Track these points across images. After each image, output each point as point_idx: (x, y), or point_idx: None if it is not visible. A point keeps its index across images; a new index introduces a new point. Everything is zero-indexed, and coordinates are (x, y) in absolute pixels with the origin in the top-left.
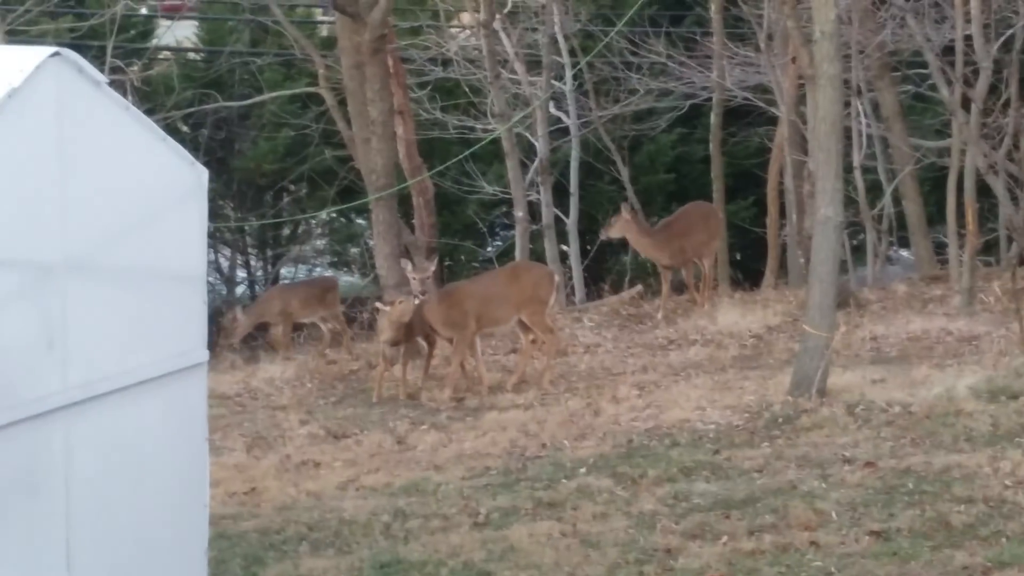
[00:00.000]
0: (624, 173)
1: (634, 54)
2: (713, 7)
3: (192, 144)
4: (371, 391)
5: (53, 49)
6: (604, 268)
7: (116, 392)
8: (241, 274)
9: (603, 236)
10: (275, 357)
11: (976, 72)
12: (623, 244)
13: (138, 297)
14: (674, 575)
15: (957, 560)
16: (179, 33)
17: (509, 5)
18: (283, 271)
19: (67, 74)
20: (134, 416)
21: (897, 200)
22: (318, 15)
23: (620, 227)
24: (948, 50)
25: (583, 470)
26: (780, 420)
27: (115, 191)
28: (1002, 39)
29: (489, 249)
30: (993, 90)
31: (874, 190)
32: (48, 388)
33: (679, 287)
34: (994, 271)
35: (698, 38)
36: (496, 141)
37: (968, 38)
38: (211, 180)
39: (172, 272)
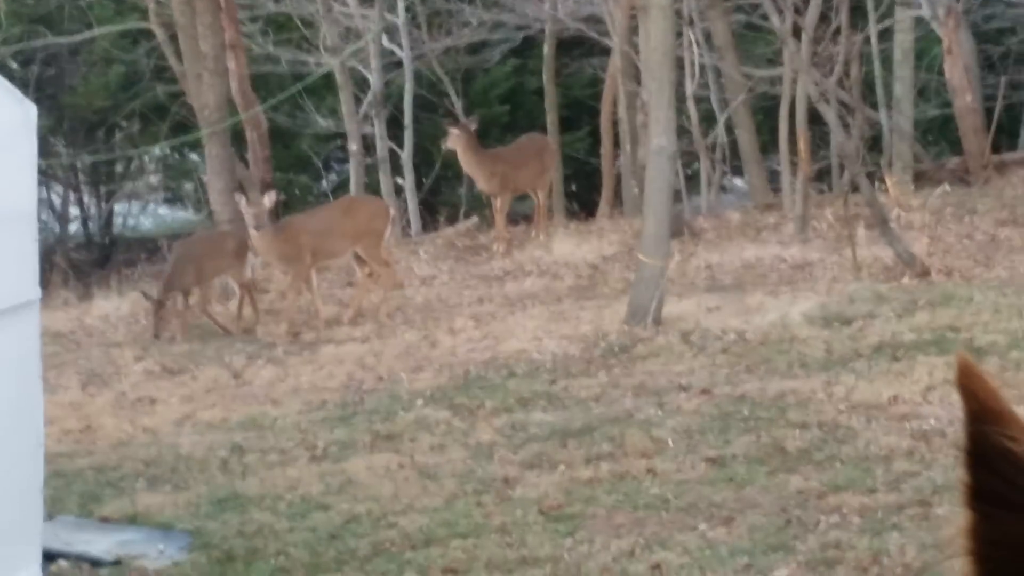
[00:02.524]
0: (458, 105)
1: None
2: None
3: (21, 81)
4: (208, 326)
5: None
6: (440, 201)
7: None
8: (74, 211)
9: (443, 145)
10: (109, 294)
11: (807, 1)
12: (458, 175)
13: None
14: (512, 505)
15: (792, 484)
16: None
17: None
18: (116, 207)
19: None
20: None
21: (730, 129)
22: None
23: (452, 140)
24: None
25: (420, 402)
26: (616, 349)
27: None
28: None
29: (324, 183)
30: (823, 19)
31: (707, 119)
32: None
33: (515, 218)
34: (827, 198)
35: None
36: (329, 75)
37: None
38: (41, 117)
39: (1, 210)
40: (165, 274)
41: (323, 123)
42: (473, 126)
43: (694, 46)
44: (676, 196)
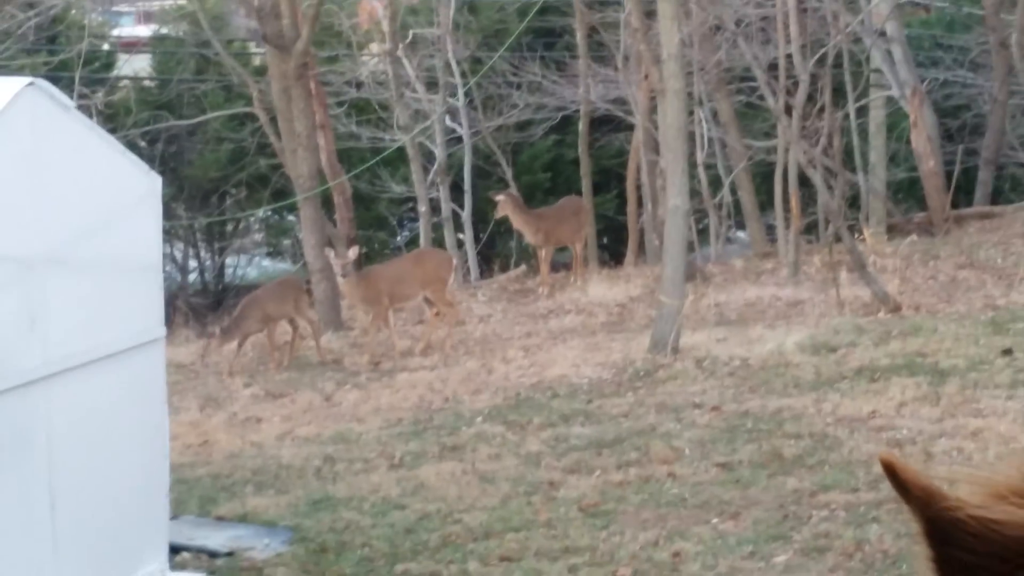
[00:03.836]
0: (508, 173)
1: (515, 75)
2: (579, 35)
3: (148, 157)
4: (306, 358)
5: (29, 80)
6: (494, 252)
7: (89, 364)
8: (193, 264)
9: (496, 215)
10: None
11: (796, 84)
12: (509, 231)
13: (105, 284)
14: (556, 503)
15: (789, 485)
16: (136, 64)
17: (410, 36)
18: (227, 260)
19: (41, 100)
20: (104, 383)
21: (734, 190)
22: (252, 47)
23: (501, 207)
24: (773, 66)
25: (479, 419)
26: (641, 374)
27: (84, 196)
28: (817, 56)
29: (398, 238)
30: (810, 98)
31: (715, 183)
32: (31, 362)
33: (556, 266)
34: (814, 247)
35: (567, 60)
36: (402, 149)
37: (789, 56)
38: (164, 186)
39: (133, 263)
40: (233, 318)
41: (397, 189)
42: (515, 192)
43: (703, 122)
44: (689, 247)
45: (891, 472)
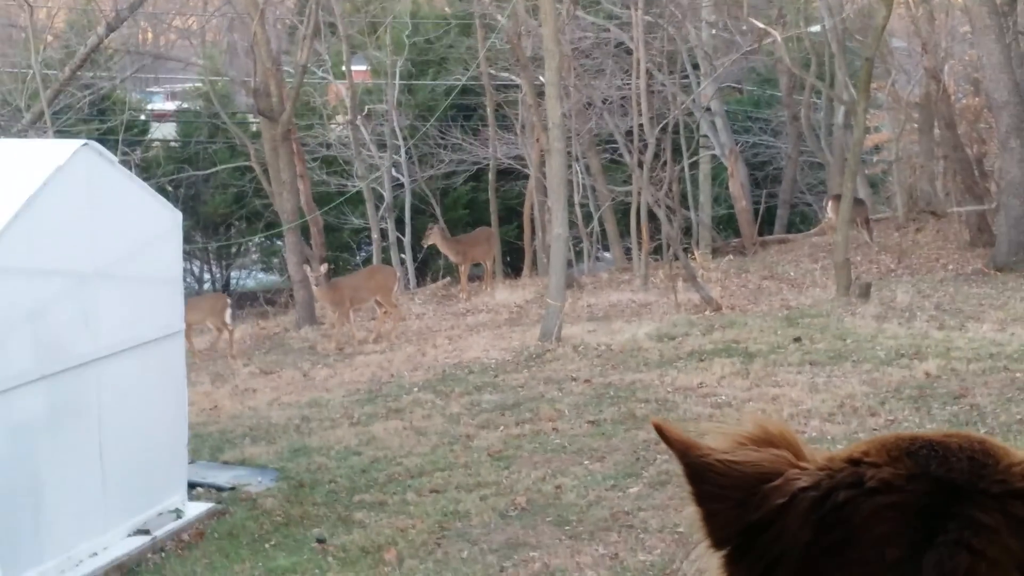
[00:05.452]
0: (438, 210)
1: (442, 138)
2: (489, 109)
3: (173, 198)
4: (289, 345)
5: (83, 141)
6: (427, 268)
7: (128, 350)
8: (206, 276)
9: (424, 243)
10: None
11: (646, 145)
12: (438, 253)
13: (140, 292)
14: (471, 451)
15: (640, 436)
16: (164, 130)
17: (366, 110)
18: (232, 274)
19: (92, 156)
20: (140, 364)
21: (601, 223)
22: (250, 117)
23: (430, 237)
24: (629, 132)
25: (416, 389)
26: (533, 356)
27: (124, 227)
28: (661, 125)
29: (356, 258)
30: (656, 156)
31: (587, 217)
32: (86, 348)
33: (473, 278)
34: (659, 264)
35: (480, 128)
36: (359, 192)
37: (641, 125)
38: (184, 220)
39: (161, 276)
40: None
41: (356, 222)
42: (443, 225)
43: (579, 173)
44: (568, 263)
45: (660, 431)
